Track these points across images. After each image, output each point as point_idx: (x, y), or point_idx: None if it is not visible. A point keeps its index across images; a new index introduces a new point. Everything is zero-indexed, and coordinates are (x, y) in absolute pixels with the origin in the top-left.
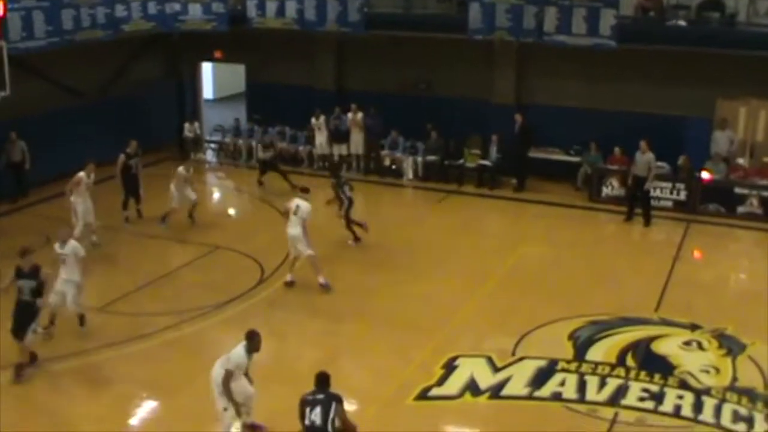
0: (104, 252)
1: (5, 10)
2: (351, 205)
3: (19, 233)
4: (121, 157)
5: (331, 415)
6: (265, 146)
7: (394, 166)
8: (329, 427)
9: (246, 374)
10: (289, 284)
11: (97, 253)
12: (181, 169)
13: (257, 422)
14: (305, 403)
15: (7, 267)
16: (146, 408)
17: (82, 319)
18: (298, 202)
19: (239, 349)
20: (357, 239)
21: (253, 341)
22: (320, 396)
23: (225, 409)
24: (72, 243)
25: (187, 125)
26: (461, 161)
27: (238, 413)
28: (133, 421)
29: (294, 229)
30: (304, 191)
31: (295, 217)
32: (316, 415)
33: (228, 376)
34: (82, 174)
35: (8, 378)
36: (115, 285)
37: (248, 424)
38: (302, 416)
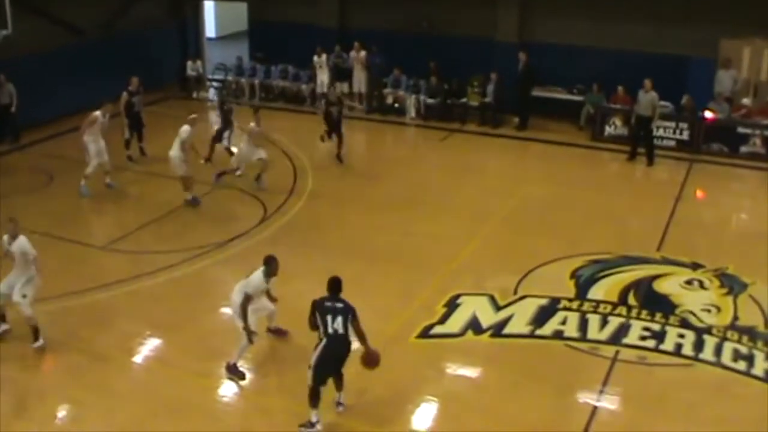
0: (107, 191)
1: None
2: (228, 130)
3: (18, 172)
4: (124, 95)
5: (349, 324)
6: (330, 103)
7: (396, 105)
8: (350, 337)
9: (268, 294)
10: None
11: (102, 191)
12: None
13: (282, 328)
14: (325, 310)
15: (5, 206)
16: (150, 346)
17: (35, 333)
18: (183, 126)
19: (258, 274)
20: (208, 160)
21: (270, 266)
22: (339, 305)
23: (244, 329)
24: (20, 240)
25: (189, 64)
26: (464, 100)
27: (250, 339)
28: (137, 358)
29: (172, 150)
30: (191, 116)
31: (176, 138)
32: (338, 324)
33: (246, 300)
34: (98, 113)
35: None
36: (117, 223)
37: (273, 329)
38: (323, 323)
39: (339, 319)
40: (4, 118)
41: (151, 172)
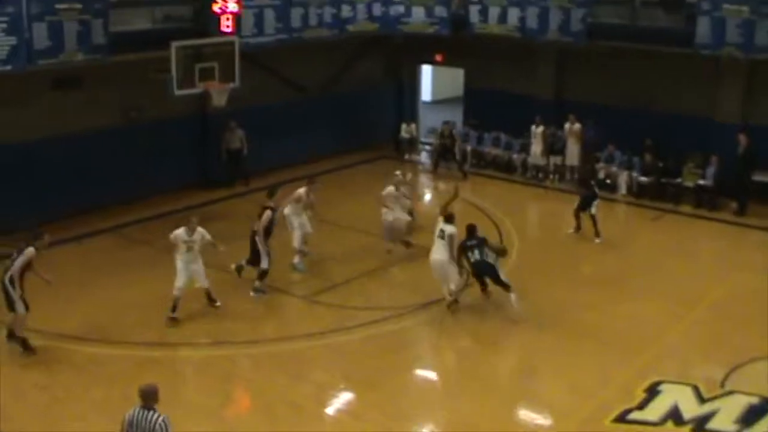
0: (316, 244)
1: (241, 7)
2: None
3: (232, 218)
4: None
5: (485, 251)
6: None
7: (608, 180)
8: (489, 259)
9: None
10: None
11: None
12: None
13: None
14: (465, 248)
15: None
16: (342, 399)
17: (209, 296)
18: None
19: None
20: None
21: (451, 220)
22: (474, 242)
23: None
24: (200, 230)
25: (404, 126)
26: (679, 180)
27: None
28: (329, 410)
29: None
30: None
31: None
32: (476, 254)
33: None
34: (302, 191)
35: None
36: (322, 277)
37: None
38: (465, 257)
39: (476, 251)
40: (236, 162)
41: (359, 230)
